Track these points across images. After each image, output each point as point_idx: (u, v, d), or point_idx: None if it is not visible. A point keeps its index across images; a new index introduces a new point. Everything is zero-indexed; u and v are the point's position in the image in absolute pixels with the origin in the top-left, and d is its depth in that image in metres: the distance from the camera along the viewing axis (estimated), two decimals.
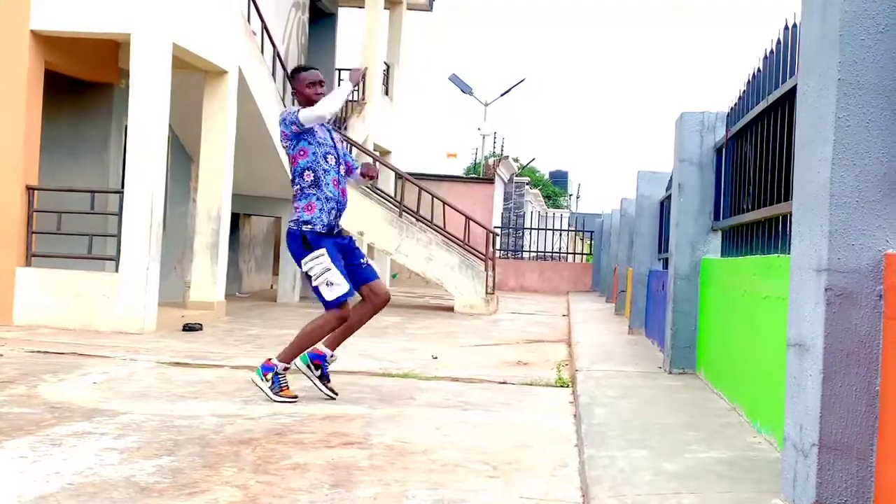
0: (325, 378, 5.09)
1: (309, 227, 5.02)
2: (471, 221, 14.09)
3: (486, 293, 13.20)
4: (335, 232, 5.13)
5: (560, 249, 25.56)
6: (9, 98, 8.36)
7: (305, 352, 5.07)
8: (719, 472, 3.10)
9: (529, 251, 24.38)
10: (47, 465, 3.37)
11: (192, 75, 9.68)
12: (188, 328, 8.50)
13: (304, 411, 4.66)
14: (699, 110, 5.64)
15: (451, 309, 13.14)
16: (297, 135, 5.04)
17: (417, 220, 13.64)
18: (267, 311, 11.35)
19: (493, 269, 13.92)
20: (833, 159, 2.46)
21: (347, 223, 14.13)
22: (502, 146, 40.09)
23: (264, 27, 11.39)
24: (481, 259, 13.67)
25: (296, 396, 4.95)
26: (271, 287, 16.18)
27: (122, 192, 8.36)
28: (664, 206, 8.21)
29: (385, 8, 17.47)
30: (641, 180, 9.01)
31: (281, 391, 4.92)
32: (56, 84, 9.29)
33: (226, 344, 7.63)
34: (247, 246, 15.41)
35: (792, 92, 3.57)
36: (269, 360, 5.05)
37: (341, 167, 5.20)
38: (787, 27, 3.91)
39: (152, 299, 8.26)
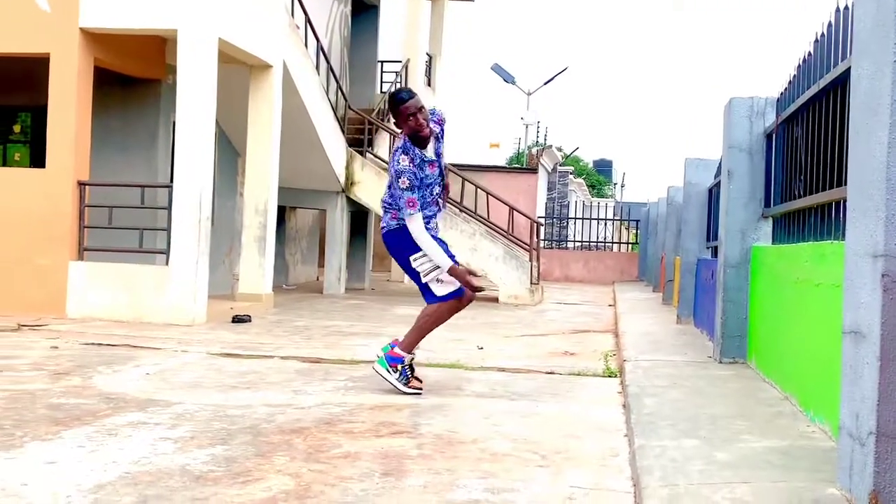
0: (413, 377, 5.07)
1: None
2: (514, 212, 14.06)
3: (531, 283, 13.17)
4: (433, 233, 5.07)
5: (605, 239, 25.38)
6: (60, 95, 8.55)
7: (383, 355, 5.07)
8: (772, 460, 3.07)
9: (574, 241, 24.24)
10: (104, 455, 3.46)
11: (237, 69, 9.79)
12: (237, 320, 8.63)
13: (352, 401, 4.71)
14: (748, 95, 5.56)
15: (495, 300, 13.13)
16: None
17: (461, 210, 13.64)
18: (314, 303, 11.47)
19: (538, 259, 13.87)
20: (889, 143, 2.42)
21: None
22: (545, 135, 39.94)
23: (307, 20, 11.48)
24: (526, 249, 13.63)
25: (421, 389, 4.99)
26: (317, 279, 16.33)
27: (171, 187, 8.50)
28: (712, 193, 8.11)
29: None
30: (689, 167, 8.91)
31: (409, 383, 4.96)
32: (105, 80, 9.46)
33: (274, 335, 7.73)
34: (293, 238, 15.56)
35: (845, 75, 3.51)
36: (394, 350, 5.00)
37: (441, 190, 5.12)
38: (838, 9, 3.84)
39: (202, 292, 8.39)
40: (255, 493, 3.01)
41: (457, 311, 5.14)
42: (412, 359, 5.07)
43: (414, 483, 3.18)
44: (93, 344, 6.73)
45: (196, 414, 4.27)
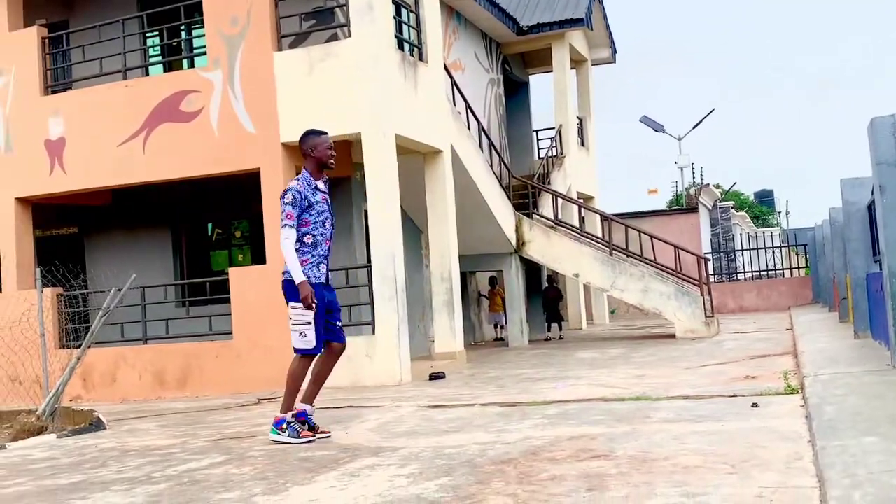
0: (313, 428, 5.44)
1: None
2: (680, 250, 13.96)
3: (706, 316, 12.97)
4: (325, 281, 5.47)
5: (775, 266, 24.39)
6: (271, 200, 9.51)
7: (281, 416, 5.41)
8: None
9: (744, 272, 23.49)
10: (353, 491, 3.91)
11: (413, 158, 10.51)
12: (433, 377, 9.09)
13: (550, 434, 4.99)
14: (889, 114, 5.51)
15: (672, 336, 13.02)
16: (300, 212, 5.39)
17: (628, 255, 13.72)
18: (501, 356, 11.84)
19: (710, 292, 13.66)
20: None
21: (564, 266, 14.34)
22: (702, 175, 39.00)
23: (467, 106, 12.16)
24: (696, 285, 13.48)
25: (322, 433, 5.39)
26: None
27: (370, 266, 9.20)
28: (872, 209, 7.88)
29: (571, 68, 17.90)
30: (845, 187, 8.68)
31: (300, 434, 5.37)
32: None
33: (472, 387, 8.13)
34: (475, 299, 16.10)
35: None
36: (277, 416, 5.45)
37: (333, 226, 5.57)
38: None
39: (405, 355, 8.97)
40: None
41: (322, 366, 5.54)
42: (294, 414, 5.39)
43: (616, 495, 3.41)
44: (323, 408, 7.36)
45: (420, 455, 4.68)
